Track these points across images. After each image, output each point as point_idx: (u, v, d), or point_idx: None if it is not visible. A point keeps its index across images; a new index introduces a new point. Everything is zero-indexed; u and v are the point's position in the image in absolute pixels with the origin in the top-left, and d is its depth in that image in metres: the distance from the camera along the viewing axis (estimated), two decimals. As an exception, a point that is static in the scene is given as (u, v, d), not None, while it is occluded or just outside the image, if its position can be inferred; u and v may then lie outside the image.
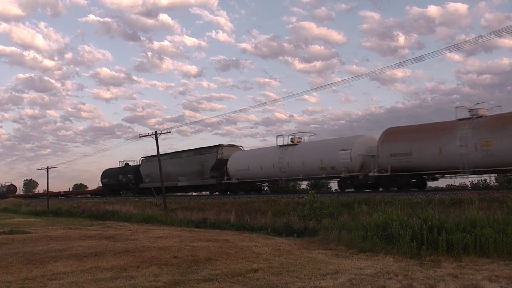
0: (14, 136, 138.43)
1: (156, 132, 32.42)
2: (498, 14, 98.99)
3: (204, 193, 39.32)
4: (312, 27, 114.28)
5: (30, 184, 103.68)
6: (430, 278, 9.13)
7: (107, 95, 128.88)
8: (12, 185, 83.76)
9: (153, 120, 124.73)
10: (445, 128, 22.53)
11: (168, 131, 33.77)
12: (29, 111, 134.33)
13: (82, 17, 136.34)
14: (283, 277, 9.48)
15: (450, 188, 24.44)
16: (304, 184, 31.34)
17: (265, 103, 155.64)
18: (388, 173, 23.90)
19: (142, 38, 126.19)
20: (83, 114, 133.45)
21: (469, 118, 22.14)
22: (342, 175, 26.63)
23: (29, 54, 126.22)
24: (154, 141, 32.13)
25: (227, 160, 34.43)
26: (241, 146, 38.18)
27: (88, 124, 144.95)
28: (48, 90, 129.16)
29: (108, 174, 50.96)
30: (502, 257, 11.34)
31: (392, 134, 24.62)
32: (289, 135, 31.39)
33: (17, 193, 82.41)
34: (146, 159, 45.11)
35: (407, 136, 23.79)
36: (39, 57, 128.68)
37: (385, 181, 24.81)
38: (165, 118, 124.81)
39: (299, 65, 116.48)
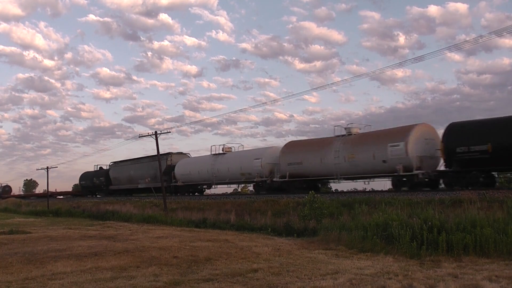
0: (14, 136, 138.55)
1: (156, 132, 32.45)
2: (499, 13, 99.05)
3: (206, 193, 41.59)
4: (312, 27, 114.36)
5: (30, 184, 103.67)
6: (430, 278, 9.13)
7: (107, 95, 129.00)
8: (7, 185, 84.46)
9: (153, 120, 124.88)
10: (325, 143, 28.19)
11: (168, 131, 33.85)
12: (29, 111, 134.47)
13: (82, 17, 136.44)
14: (283, 277, 9.48)
15: (450, 188, 24.36)
16: None
17: (265, 103, 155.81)
18: (287, 179, 29.35)
19: (142, 38, 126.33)
20: (83, 114, 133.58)
21: (342, 135, 27.71)
22: (255, 180, 32.42)
23: (29, 54, 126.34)
24: (154, 141, 32.16)
25: (175, 165, 40.30)
26: (189, 154, 43.76)
27: (88, 124, 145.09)
28: (48, 90, 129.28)
29: (85, 177, 56.16)
30: (502, 257, 11.33)
31: (290, 147, 30.61)
32: (222, 144, 37.32)
33: (12, 193, 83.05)
34: (115, 164, 50.78)
35: (300, 148, 29.70)
36: (39, 57, 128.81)
37: (285, 185, 30.07)
38: (165, 118, 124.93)
39: (299, 65, 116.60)
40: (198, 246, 14.25)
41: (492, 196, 17.22)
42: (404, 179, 24.28)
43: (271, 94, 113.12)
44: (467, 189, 19.95)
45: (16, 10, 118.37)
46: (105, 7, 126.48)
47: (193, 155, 43.79)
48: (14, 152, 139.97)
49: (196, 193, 39.93)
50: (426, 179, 23.63)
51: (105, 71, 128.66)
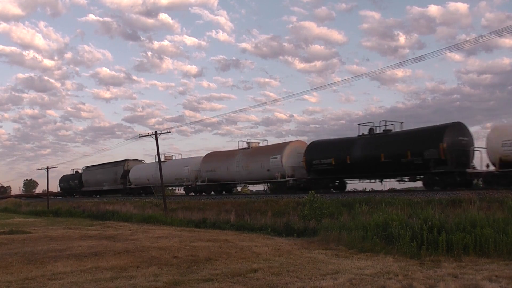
0: (14, 136, 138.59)
1: (156, 132, 32.44)
2: (499, 13, 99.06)
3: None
4: (312, 27, 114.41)
5: (30, 184, 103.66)
6: (430, 278, 9.14)
7: (107, 95, 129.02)
8: (2, 186, 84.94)
9: (153, 120, 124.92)
10: (231, 155, 35.32)
11: (168, 131, 33.89)
12: (29, 111, 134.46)
13: (81, 16, 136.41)
14: (283, 277, 9.48)
15: (449, 188, 24.35)
16: None
17: (265, 103, 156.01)
18: (206, 183, 36.84)
19: (142, 38, 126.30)
20: (83, 114, 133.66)
21: (243, 149, 35.02)
22: (185, 184, 39.73)
23: (29, 54, 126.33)
24: (154, 141, 32.17)
25: (129, 170, 47.27)
26: (143, 160, 50.46)
27: (88, 124, 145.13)
28: (48, 90, 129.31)
29: (63, 180, 62.47)
30: (502, 257, 11.34)
31: (208, 157, 38.09)
32: (164, 154, 43.64)
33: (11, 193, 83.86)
34: (86, 168, 56.90)
35: (214, 158, 37.02)
36: (39, 57, 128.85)
37: (205, 188, 37.55)
38: (165, 118, 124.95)
39: (299, 65, 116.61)
40: (198, 246, 14.25)
41: (492, 196, 17.22)
42: (280, 184, 31.15)
43: (271, 94, 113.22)
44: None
45: (16, 10, 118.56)
46: (105, 7, 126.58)
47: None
48: (14, 152, 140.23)
49: (147, 194, 45.07)
50: (301, 184, 29.59)
51: (105, 71, 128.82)
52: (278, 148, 31.44)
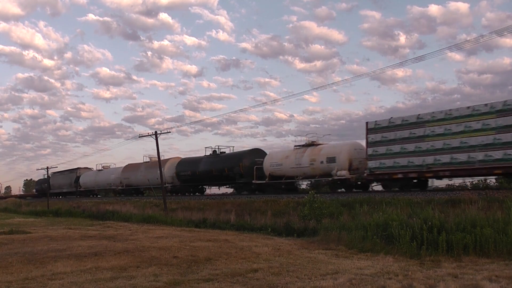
0: (14, 136, 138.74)
1: (156, 132, 32.47)
2: (500, 13, 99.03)
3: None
4: (312, 27, 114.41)
5: (30, 184, 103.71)
6: (430, 278, 9.14)
7: (107, 94, 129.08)
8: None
9: (153, 120, 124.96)
10: (138, 166, 45.64)
11: (168, 131, 34.00)
12: (28, 111, 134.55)
13: (81, 16, 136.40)
14: (283, 277, 9.48)
15: (450, 188, 24.43)
16: (304, 185, 32.66)
17: (266, 103, 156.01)
18: (124, 187, 46.17)
19: (142, 38, 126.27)
20: (83, 114, 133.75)
21: (146, 162, 45.23)
22: (112, 187, 48.48)
23: (29, 54, 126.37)
24: (154, 141, 32.19)
25: (80, 176, 56.73)
26: (92, 168, 57.97)
27: (88, 124, 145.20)
28: (48, 90, 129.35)
29: (38, 183, 71.55)
30: (502, 257, 11.34)
31: (126, 168, 47.38)
32: (102, 164, 53.50)
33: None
34: (53, 174, 63.19)
35: (129, 169, 46.52)
36: (39, 57, 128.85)
37: (124, 191, 46.80)
38: (165, 118, 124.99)
39: (299, 64, 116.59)
40: (198, 246, 14.25)
41: (492, 196, 17.23)
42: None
43: (271, 94, 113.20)
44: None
45: (16, 10, 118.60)
46: (105, 7, 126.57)
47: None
48: (14, 152, 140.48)
49: (93, 195, 54.54)
50: (175, 188, 41.21)
51: (105, 70, 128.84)
52: (163, 162, 38.78)
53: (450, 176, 22.18)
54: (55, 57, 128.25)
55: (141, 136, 34.05)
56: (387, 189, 24.68)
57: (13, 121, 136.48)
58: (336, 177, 26.78)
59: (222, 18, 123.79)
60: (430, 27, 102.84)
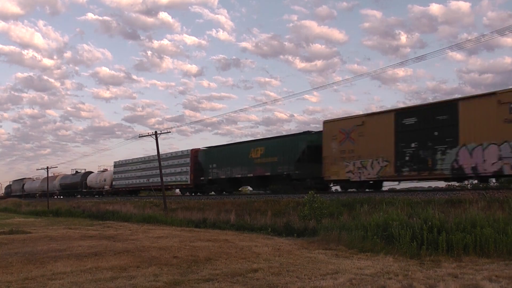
0: (13, 136, 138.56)
1: (156, 132, 32.49)
2: (501, 12, 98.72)
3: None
4: (313, 26, 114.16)
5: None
6: (430, 278, 9.14)
7: (107, 94, 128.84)
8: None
9: (153, 120, 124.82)
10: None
11: (168, 131, 34.06)
12: (28, 110, 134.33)
13: (81, 15, 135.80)
14: (283, 277, 9.48)
15: (450, 188, 24.48)
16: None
17: (266, 102, 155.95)
18: (61, 190, 58.97)
19: (141, 37, 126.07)
20: (83, 113, 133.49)
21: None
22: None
23: (28, 53, 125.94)
24: (154, 141, 32.21)
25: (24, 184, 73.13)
26: (32, 177, 73.70)
27: (88, 123, 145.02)
28: (48, 90, 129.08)
29: (10, 186, 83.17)
30: (502, 257, 11.34)
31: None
32: (54, 172, 64.06)
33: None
34: (15, 181, 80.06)
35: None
36: (38, 56, 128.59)
37: (61, 193, 59.72)
38: (165, 117, 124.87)
39: (300, 64, 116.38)
40: (198, 246, 14.26)
41: (492, 196, 17.22)
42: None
43: (272, 94, 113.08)
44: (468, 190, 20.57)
45: (15, 9, 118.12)
46: (105, 6, 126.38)
47: None
48: (14, 152, 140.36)
49: (36, 197, 65.79)
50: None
51: (104, 70, 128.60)
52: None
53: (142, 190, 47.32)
54: (55, 57, 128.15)
55: (141, 136, 34.12)
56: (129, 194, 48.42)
57: (13, 121, 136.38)
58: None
59: (222, 17, 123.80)
60: (431, 26, 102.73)
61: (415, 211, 15.01)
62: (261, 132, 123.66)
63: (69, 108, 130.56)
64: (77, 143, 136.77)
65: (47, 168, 53.30)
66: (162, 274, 9.81)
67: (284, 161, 28.80)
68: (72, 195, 58.26)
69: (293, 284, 8.77)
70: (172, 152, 41.19)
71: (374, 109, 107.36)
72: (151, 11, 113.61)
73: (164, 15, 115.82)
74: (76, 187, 56.25)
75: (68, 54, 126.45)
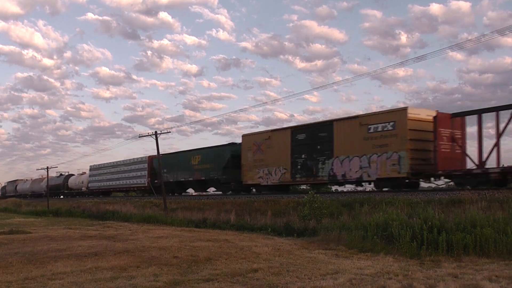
0: (13, 136, 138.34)
1: (156, 132, 32.45)
2: (501, 12, 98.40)
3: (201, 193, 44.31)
4: (313, 26, 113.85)
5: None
6: (430, 278, 9.14)
7: (107, 94, 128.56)
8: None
9: (153, 120, 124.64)
10: (38, 180, 64.18)
11: (168, 131, 34.00)
12: (28, 110, 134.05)
13: (81, 15, 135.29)
14: (283, 277, 9.49)
15: (450, 188, 24.49)
16: (304, 185, 32.94)
17: (266, 102, 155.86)
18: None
19: (141, 37, 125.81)
20: (83, 113, 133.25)
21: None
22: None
23: (28, 53, 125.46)
24: (154, 141, 32.20)
25: (17, 185, 77.10)
26: (23, 179, 77.72)
27: (88, 123, 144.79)
28: (48, 90, 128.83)
29: (5, 187, 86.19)
30: (502, 257, 11.34)
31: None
32: (23, 179, 77.12)
33: None
34: (9, 182, 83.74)
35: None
36: (38, 56, 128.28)
37: (31, 195, 63.50)
38: (165, 117, 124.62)
39: (300, 64, 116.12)
40: (198, 246, 14.26)
41: (492, 196, 17.22)
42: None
43: (272, 94, 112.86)
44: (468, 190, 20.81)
45: (15, 9, 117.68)
46: (105, 6, 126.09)
47: None
48: (14, 152, 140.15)
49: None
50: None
51: (104, 70, 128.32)
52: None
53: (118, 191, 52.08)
54: (55, 57, 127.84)
55: (141, 136, 34.12)
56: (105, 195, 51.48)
57: (13, 121, 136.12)
58: None
59: (222, 17, 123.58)
60: (432, 26, 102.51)
61: (415, 211, 15.00)
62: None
63: (69, 108, 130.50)
64: (77, 143, 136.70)
65: (47, 168, 53.36)
66: (162, 274, 9.81)
67: (215, 168, 34.08)
68: (57, 195, 62.63)
69: (293, 284, 8.77)
70: (132, 159, 46.43)
71: (374, 109, 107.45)
72: (151, 11, 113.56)
73: (164, 15, 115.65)
74: (59, 188, 61.04)
75: (68, 54, 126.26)
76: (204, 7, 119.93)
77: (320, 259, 11.74)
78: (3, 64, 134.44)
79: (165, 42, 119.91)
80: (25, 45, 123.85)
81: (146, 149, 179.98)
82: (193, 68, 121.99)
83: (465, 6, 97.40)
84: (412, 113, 22.36)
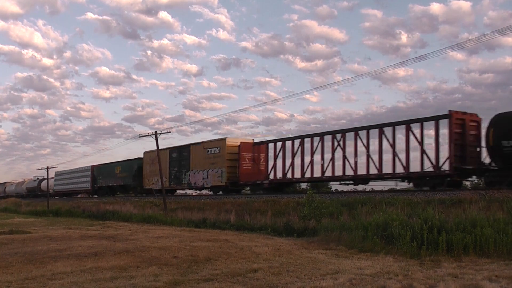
0: (13, 135, 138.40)
1: (156, 132, 32.51)
2: (502, 12, 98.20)
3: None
4: (313, 25, 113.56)
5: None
6: (430, 278, 9.14)
7: (107, 94, 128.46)
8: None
9: (153, 120, 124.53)
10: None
11: (168, 131, 34.13)
12: (28, 110, 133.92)
13: (80, 15, 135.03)
14: (283, 277, 9.48)
15: (450, 189, 24.47)
16: (304, 185, 33.15)
17: (266, 102, 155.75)
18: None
19: (141, 37, 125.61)
20: (83, 113, 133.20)
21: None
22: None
23: (28, 53, 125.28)
24: (154, 141, 32.21)
25: (6, 187, 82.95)
26: (11, 181, 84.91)
27: (88, 123, 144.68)
28: (47, 89, 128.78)
29: None
30: (502, 257, 11.34)
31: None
32: (11, 181, 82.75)
33: None
34: (0, 184, 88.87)
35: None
36: (38, 56, 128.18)
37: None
38: (165, 117, 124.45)
39: (300, 64, 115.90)
40: (198, 246, 14.26)
41: (492, 196, 17.23)
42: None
43: (272, 94, 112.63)
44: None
45: (15, 8, 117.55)
46: (104, 5, 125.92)
47: None
48: (14, 152, 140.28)
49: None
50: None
51: (104, 70, 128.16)
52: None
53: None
54: (55, 56, 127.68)
55: (141, 136, 34.25)
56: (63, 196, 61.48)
57: (13, 121, 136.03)
58: None
59: (223, 16, 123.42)
60: (432, 26, 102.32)
61: (415, 211, 15.01)
62: (261, 132, 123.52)
63: (69, 108, 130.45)
64: (77, 143, 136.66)
65: (47, 168, 53.44)
66: (162, 274, 9.81)
67: (129, 176, 46.50)
68: (34, 196, 71.00)
69: (293, 284, 8.77)
70: (81, 167, 58.66)
71: (375, 109, 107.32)
72: (151, 11, 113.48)
73: (164, 15, 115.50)
74: (35, 190, 71.46)
75: (67, 54, 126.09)
76: (204, 7, 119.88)
77: (320, 259, 11.74)
78: (3, 64, 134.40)
79: (165, 41, 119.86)
80: (24, 45, 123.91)
81: (146, 149, 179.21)
82: (193, 68, 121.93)
83: (466, 5, 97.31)
84: (229, 142, 33.44)
